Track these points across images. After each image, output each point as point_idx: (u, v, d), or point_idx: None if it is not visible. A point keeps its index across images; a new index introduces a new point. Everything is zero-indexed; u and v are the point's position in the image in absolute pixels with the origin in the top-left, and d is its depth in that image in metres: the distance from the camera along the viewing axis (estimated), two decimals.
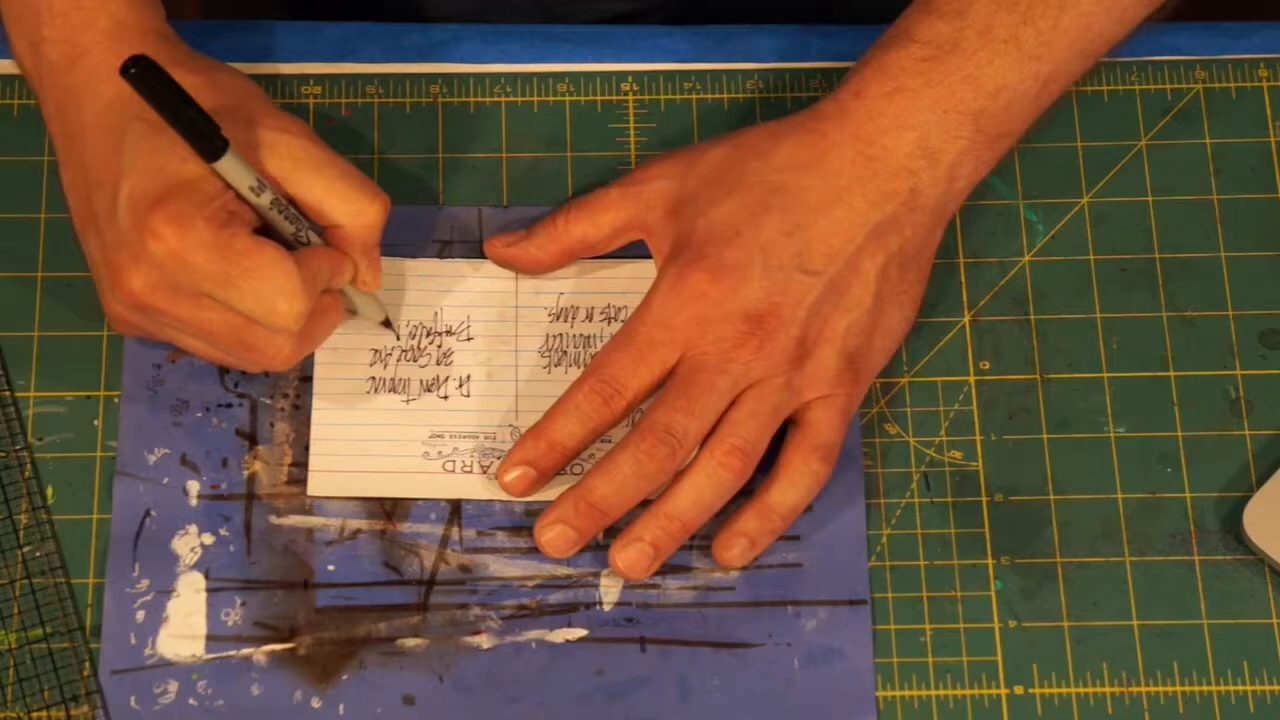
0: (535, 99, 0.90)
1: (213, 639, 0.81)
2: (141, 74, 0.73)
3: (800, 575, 0.82)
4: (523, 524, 0.83)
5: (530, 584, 0.82)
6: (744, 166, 0.82)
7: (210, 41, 0.89)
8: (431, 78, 0.90)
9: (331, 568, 0.82)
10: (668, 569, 0.82)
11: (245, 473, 0.83)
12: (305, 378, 0.85)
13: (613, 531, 0.82)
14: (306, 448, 0.84)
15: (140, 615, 0.81)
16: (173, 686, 0.80)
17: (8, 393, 0.84)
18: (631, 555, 0.80)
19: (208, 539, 0.82)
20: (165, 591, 0.82)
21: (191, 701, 0.80)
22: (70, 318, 0.86)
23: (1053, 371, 0.86)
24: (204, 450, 0.84)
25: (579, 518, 0.80)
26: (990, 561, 0.83)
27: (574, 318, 0.86)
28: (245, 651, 0.81)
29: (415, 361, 0.85)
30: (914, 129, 0.81)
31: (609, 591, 0.82)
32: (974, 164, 0.82)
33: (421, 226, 0.87)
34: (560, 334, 0.86)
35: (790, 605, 0.82)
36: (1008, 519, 0.84)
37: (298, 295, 0.75)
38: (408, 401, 0.85)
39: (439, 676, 0.81)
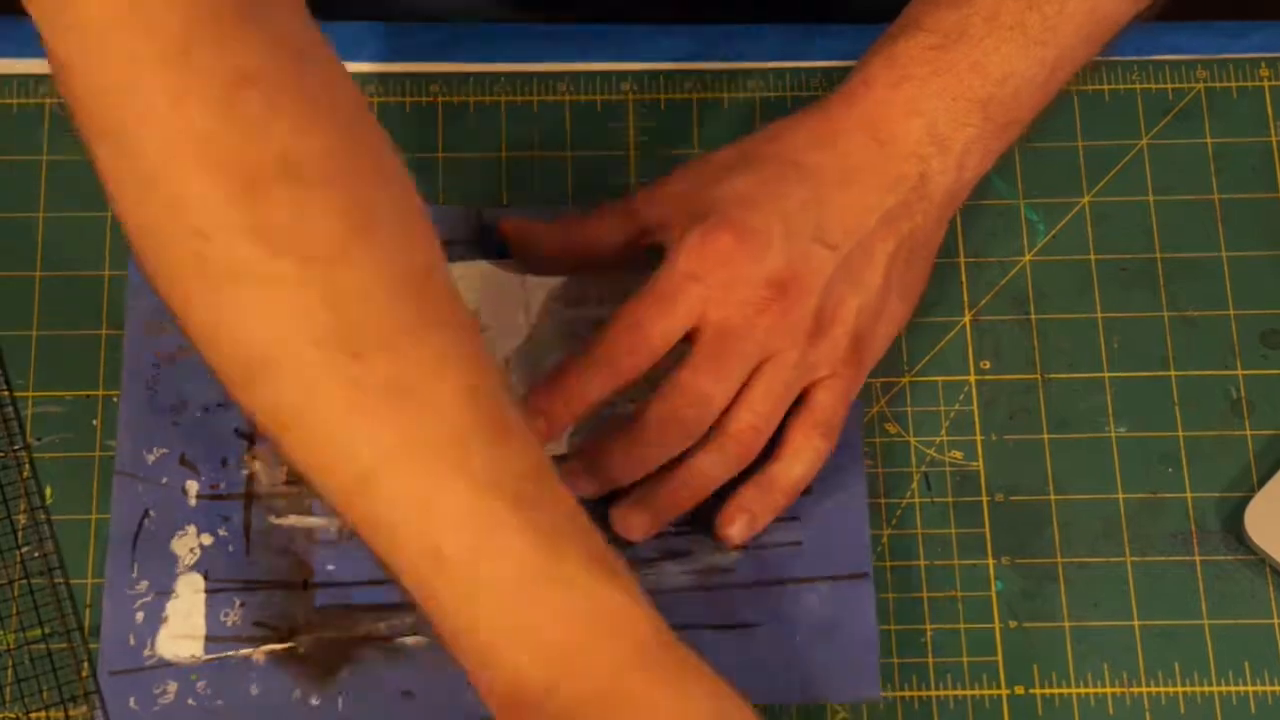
0: (535, 99, 0.90)
1: (212, 639, 0.81)
2: None
3: (800, 554, 0.82)
4: None
5: None
6: (758, 150, 0.82)
7: None
8: (431, 77, 0.90)
9: (331, 567, 0.82)
10: (666, 554, 0.82)
11: (244, 472, 0.83)
12: None
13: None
14: None
15: (139, 616, 0.81)
16: (172, 687, 0.80)
17: (6, 392, 0.84)
18: (634, 519, 0.80)
19: (206, 540, 0.82)
20: (164, 592, 0.81)
21: (191, 702, 0.80)
22: (69, 317, 0.86)
23: (1053, 371, 0.86)
24: (203, 450, 0.84)
25: (590, 484, 0.80)
26: (991, 561, 0.83)
27: (583, 305, 0.86)
28: (244, 651, 0.81)
29: None
30: (922, 115, 0.81)
31: None
32: (982, 153, 0.82)
33: None
34: (573, 319, 0.85)
35: (791, 583, 0.82)
36: (1008, 519, 0.84)
37: None
38: None
39: (438, 674, 0.80)
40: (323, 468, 0.68)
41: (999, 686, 0.81)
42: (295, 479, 0.83)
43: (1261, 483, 0.83)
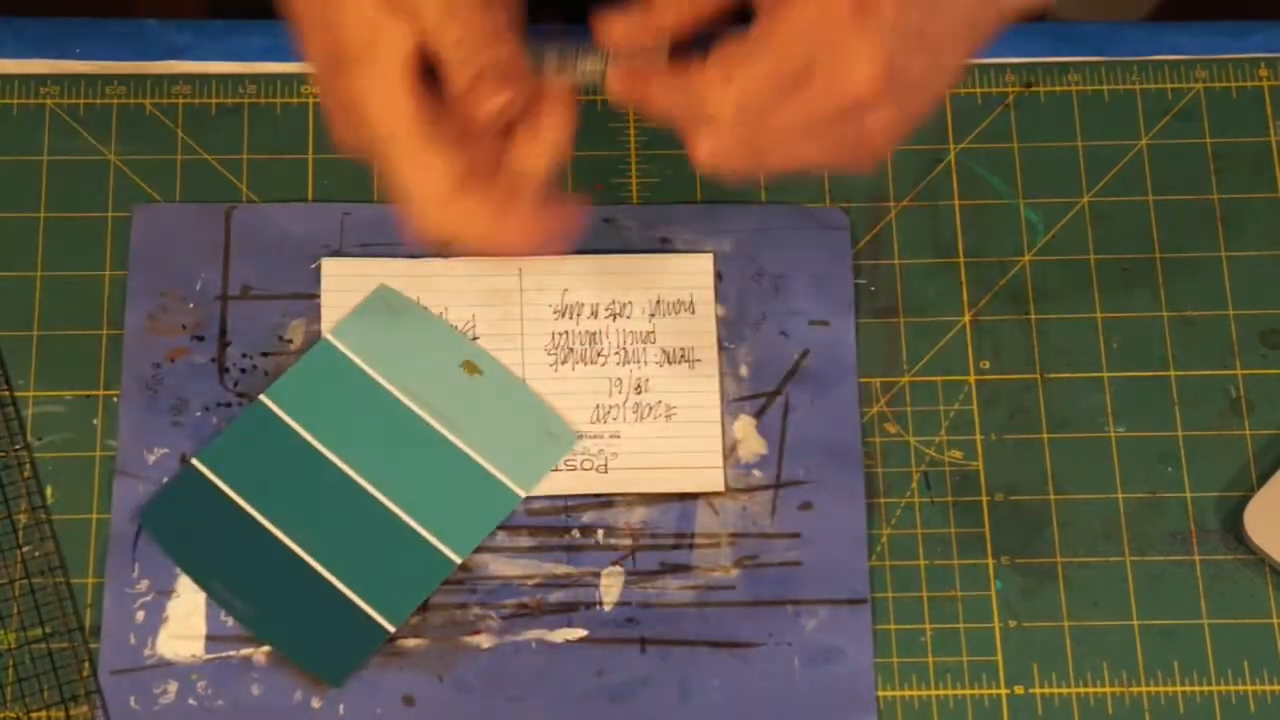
0: None
1: (212, 639, 0.81)
2: None
3: (800, 574, 0.82)
4: (523, 523, 0.83)
5: (530, 583, 0.82)
6: None
7: (213, 41, 0.90)
8: None
9: None
10: (667, 569, 0.82)
11: None
12: None
13: (614, 535, 0.82)
14: None
15: (140, 615, 0.81)
16: (172, 687, 0.80)
17: (7, 392, 0.84)
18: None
19: None
20: (165, 592, 0.82)
21: (191, 702, 0.80)
22: (70, 317, 0.86)
23: (1053, 371, 0.86)
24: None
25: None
26: (990, 561, 0.83)
27: (579, 314, 0.86)
28: (245, 652, 0.81)
29: None
30: None
31: (609, 591, 0.82)
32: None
33: None
34: (566, 331, 0.86)
35: (790, 605, 0.82)
36: (1008, 519, 0.84)
37: None
38: None
39: (439, 676, 0.81)
40: None
41: (999, 686, 0.81)
42: None
43: (1261, 482, 0.83)
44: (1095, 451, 0.85)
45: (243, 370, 0.84)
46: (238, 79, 0.90)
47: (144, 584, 0.82)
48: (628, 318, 0.86)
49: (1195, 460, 0.85)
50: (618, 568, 0.82)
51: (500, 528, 0.83)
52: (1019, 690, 0.81)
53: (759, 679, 0.81)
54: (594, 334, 0.86)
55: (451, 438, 0.83)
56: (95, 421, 0.84)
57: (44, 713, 0.80)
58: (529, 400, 0.84)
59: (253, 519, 0.82)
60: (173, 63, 0.90)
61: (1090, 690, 0.81)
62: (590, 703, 0.80)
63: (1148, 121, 0.90)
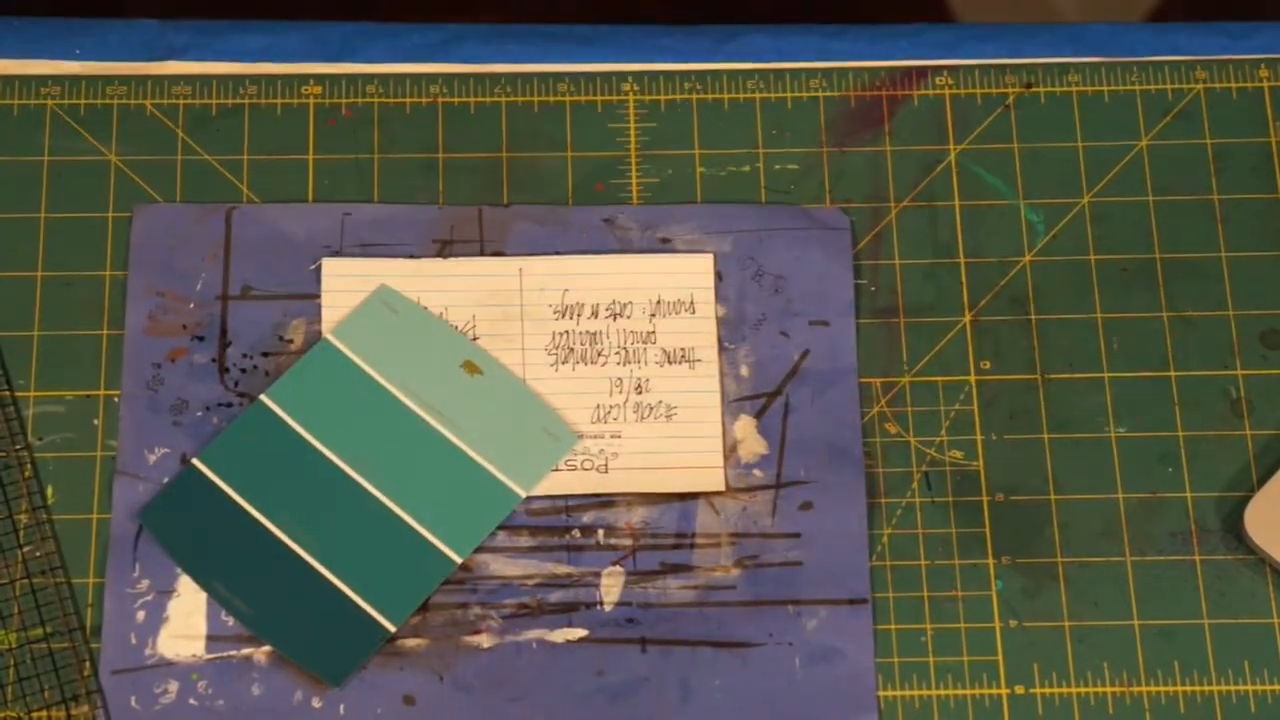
0: (535, 99, 0.90)
1: (213, 639, 0.81)
2: None
3: (801, 574, 0.82)
4: (523, 523, 0.83)
5: (530, 583, 0.82)
6: None
7: (213, 41, 0.90)
8: (431, 78, 0.90)
9: None
10: (668, 568, 0.82)
11: None
12: None
13: (614, 547, 0.82)
14: None
15: (140, 615, 0.81)
16: (173, 686, 0.80)
17: (7, 392, 0.84)
18: None
19: None
20: (165, 591, 0.82)
21: (192, 701, 0.80)
22: (70, 318, 0.86)
23: (1053, 371, 0.86)
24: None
25: None
26: (991, 561, 0.83)
27: (579, 314, 0.86)
28: (245, 651, 0.81)
29: None
30: None
31: (609, 591, 0.82)
32: None
33: (421, 226, 0.87)
34: (566, 331, 0.86)
35: (791, 605, 0.82)
36: (1008, 519, 0.84)
37: None
38: None
39: (439, 676, 0.81)
40: None
41: (999, 686, 0.81)
42: None
43: (1261, 482, 0.84)
44: (1095, 452, 0.85)
45: (243, 370, 0.84)
46: (238, 79, 0.90)
47: (144, 584, 0.82)
48: (628, 318, 0.86)
49: (1195, 460, 0.85)
50: (618, 568, 0.82)
51: (501, 527, 0.83)
52: (1019, 690, 0.81)
53: (760, 679, 0.81)
54: (594, 334, 0.86)
55: (452, 438, 0.83)
56: (96, 421, 0.84)
57: (44, 712, 0.80)
58: (529, 400, 0.84)
59: (253, 519, 0.82)
60: (173, 63, 0.90)
61: (1091, 690, 0.81)
62: (590, 703, 0.80)
63: (1148, 122, 0.90)
